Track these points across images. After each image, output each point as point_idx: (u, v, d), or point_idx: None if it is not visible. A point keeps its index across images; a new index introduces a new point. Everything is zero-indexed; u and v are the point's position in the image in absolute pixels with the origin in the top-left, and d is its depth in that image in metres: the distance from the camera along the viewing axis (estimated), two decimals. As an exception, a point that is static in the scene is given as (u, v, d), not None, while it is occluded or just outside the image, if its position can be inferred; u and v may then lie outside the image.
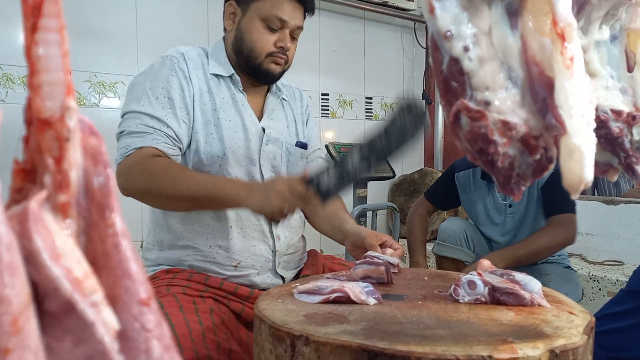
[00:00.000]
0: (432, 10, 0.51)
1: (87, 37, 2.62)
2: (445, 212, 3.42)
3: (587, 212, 3.19)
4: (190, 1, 2.90)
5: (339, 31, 3.61)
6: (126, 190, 1.37)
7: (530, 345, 0.85)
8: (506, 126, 0.54)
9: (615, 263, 3.02)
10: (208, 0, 2.96)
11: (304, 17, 1.54)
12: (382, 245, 1.44)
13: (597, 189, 4.58)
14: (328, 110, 3.60)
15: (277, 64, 1.51)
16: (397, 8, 3.65)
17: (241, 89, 1.55)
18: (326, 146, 2.76)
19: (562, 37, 0.51)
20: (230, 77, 1.54)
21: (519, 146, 0.55)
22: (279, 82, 1.65)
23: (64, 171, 0.31)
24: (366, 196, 2.75)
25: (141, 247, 1.62)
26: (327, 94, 3.58)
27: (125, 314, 0.33)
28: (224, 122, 1.48)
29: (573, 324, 0.96)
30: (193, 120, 1.45)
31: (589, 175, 0.52)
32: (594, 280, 2.80)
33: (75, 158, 0.32)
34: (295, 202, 1.26)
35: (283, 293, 1.17)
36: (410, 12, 3.75)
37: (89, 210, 0.33)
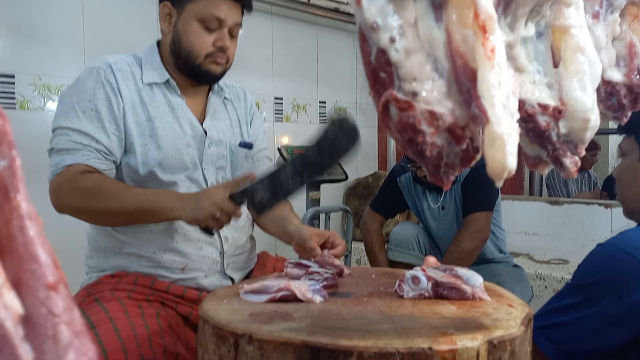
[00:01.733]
0: (358, 1, 0.52)
1: (32, 39, 2.54)
2: (398, 215, 3.45)
3: (533, 213, 3.30)
4: (140, 3, 2.86)
5: (291, 36, 3.62)
6: (60, 208, 1.35)
7: (469, 337, 0.87)
8: (433, 116, 0.55)
9: (561, 261, 3.13)
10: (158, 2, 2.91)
11: (242, 13, 1.53)
12: (324, 244, 1.44)
13: (549, 189, 4.77)
14: (282, 114, 3.60)
15: (217, 64, 1.48)
16: (348, 14, 3.69)
17: (179, 93, 1.52)
18: (279, 149, 2.76)
19: (484, 29, 0.52)
20: (167, 82, 1.51)
21: (446, 136, 0.57)
22: (221, 82, 1.63)
23: (-38, 150, 0.30)
24: (319, 199, 2.76)
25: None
26: (281, 98, 3.59)
27: (31, 299, 0.32)
28: (161, 130, 1.45)
29: (511, 316, 0.99)
30: (125, 132, 1.42)
31: (511, 162, 0.54)
32: (541, 279, 2.89)
33: (-24, 138, 0.31)
34: (227, 209, 1.27)
35: (229, 293, 1.16)
36: (362, 18, 3.78)
37: (-8, 192, 0.32)
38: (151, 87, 1.49)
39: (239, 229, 1.55)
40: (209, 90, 1.61)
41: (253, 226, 1.67)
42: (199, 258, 1.46)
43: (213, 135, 1.54)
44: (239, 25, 1.51)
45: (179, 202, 1.30)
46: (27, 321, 0.32)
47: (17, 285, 0.32)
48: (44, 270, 0.32)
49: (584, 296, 1.14)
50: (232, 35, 1.51)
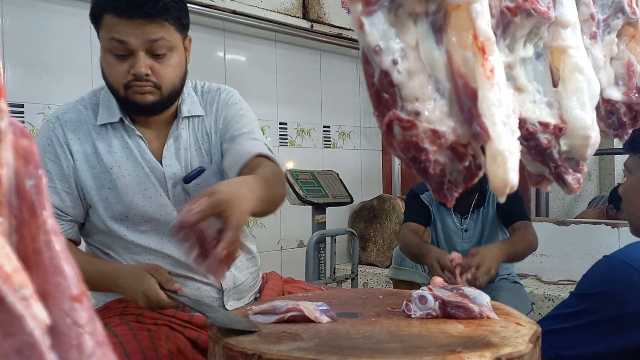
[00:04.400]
0: (361, 26, 0.55)
1: (41, 69, 2.60)
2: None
3: (540, 233, 3.27)
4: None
5: (295, 62, 3.68)
6: None
7: (478, 354, 0.87)
8: (435, 135, 0.57)
9: (569, 282, 3.11)
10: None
11: (183, 27, 1.34)
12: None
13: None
14: (287, 139, 3.63)
15: (141, 93, 1.30)
16: (351, 39, 3.76)
17: (136, 132, 1.39)
18: (284, 173, 2.78)
19: (483, 51, 0.55)
20: (121, 121, 1.38)
21: (449, 154, 0.59)
22: (190, 98, 1.45)
23: (-6, 170, 0.32)
24: (325, 222, 2.77)
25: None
26: (285, 123, 3.63)
27: (56, 310, 0.34)
28: (120, 180, 1.36)
29: (519, 334, 0.99)
30: (82, 189, 1.36)
31: (513, 178, 0.55)
32: (549, 300, 2.87)
33: (6, 158, 0.33)
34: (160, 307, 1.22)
35: (238, 315, 1.16)
36: (364, 43, 3.84)
37: (20, 209, 0.34)
38: (107, 129, 1.38)
39: (237, 263, 1.53)
40: (175, 117, 1.44)
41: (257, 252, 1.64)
42: (196, 298, 1.42)
43: (175, 174, 1.41)
44: (159, 40, 1.28)
45: (116, 289, 1.27)
46: (53, 331, 0.33)
47: (44, 297, 0.34)
48: (69, 282, 0.34)
49: (585, 305, 1.16)
50: (157, 55, 1.30)
